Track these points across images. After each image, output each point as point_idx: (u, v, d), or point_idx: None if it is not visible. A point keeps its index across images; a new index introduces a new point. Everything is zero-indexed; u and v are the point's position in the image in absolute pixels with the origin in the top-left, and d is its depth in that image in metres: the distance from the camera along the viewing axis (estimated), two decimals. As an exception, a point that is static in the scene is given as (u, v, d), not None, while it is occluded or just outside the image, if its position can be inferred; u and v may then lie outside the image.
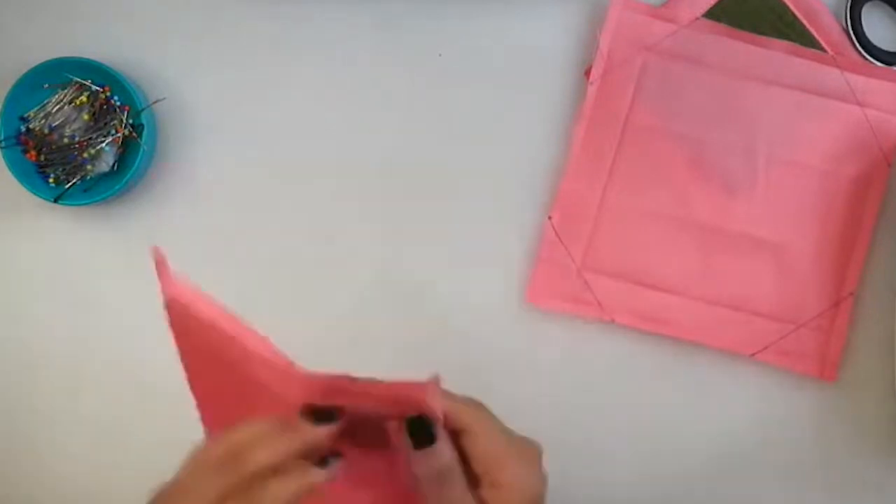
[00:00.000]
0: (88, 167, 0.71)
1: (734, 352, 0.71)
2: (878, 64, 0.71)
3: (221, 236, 0.73)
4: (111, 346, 0.73)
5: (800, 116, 0.71)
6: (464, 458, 0.52)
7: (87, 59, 0.70)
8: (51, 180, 0.71)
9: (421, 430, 0.51)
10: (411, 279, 0.72)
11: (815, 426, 0.72)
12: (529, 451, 0.55)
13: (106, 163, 0.71)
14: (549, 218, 0.71)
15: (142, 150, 0.70)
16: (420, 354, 0.72)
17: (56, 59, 0.70)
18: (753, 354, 0.71)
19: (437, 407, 0.50)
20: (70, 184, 0.71)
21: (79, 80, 0.70)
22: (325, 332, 0.72)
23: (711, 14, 0.71)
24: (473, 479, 0.53)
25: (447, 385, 0.57)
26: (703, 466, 0.72)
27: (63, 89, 0.71)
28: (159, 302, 0.73)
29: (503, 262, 0.72)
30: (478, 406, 0.54)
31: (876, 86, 0.71)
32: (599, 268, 0.71)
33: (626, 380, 0.72)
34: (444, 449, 0.51)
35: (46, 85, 0.71)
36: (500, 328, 0.72)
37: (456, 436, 0.53)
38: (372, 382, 0.50)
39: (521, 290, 0.72)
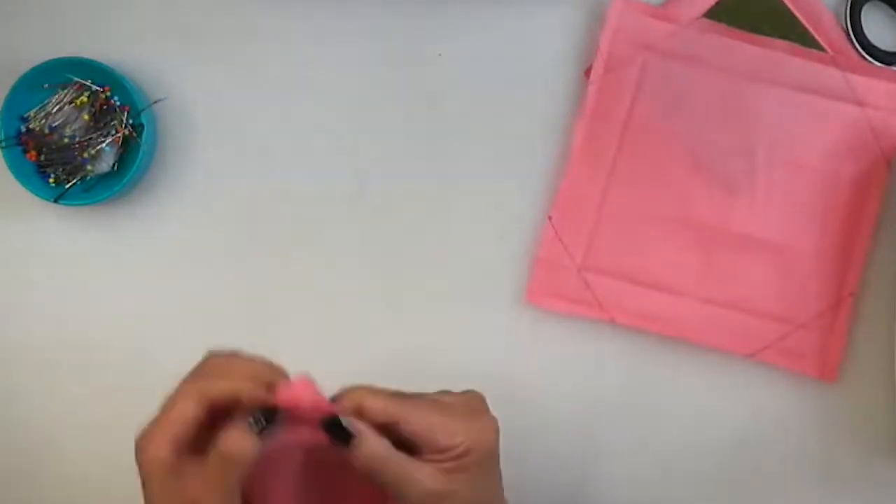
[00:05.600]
0: (88, 167, 0.71)
1: (734, 352, 0.71)
2: (878, 64, 0.71)
3: (221, 237, 0.73)
4: (111, 346, 0.73)
5: (800, 116, 0.71)
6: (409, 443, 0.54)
7: (87, 59, 0.70)
8: (51, 180, 0.71)
9: (335, 429, 0.53)
10: (410, 278, 0.72)
11: (815, 426, 0.72)
12: (471, 403, 0.56)
13: (106, 163, 0.71)
14: (549, 218, 0.71)
15: (142, 150, 0.69)
16: (419, 355, 0.72)
17: (56, 59, 0.70)
18: (753, 354, 0.71)
19: (301, 401, 0.52)
20: (70, 184, 0.71)
21: (79, 80, 0.70)
22: (324, 332, 0.72)
23: (711, 14, 0.71)
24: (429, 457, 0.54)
25: (448, 385, 0.57)
26: (703, 466, 0.72)
27: (63, 89, 0.71)
28: (159, 302, 0.73)
29: (503, 262, 0.72)
30: (397, 394, 0.55)
31: (876, 86, 0.71)
32: (599, 268, 0.71)
33: (626, 380, 0.72)
34: (367, 437, 0.53)
35: (46, 85, 0.71)
36: (499, 328, 0.72)
37: (394, 427, 0.54)
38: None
39: (520, 289, 0.72)
